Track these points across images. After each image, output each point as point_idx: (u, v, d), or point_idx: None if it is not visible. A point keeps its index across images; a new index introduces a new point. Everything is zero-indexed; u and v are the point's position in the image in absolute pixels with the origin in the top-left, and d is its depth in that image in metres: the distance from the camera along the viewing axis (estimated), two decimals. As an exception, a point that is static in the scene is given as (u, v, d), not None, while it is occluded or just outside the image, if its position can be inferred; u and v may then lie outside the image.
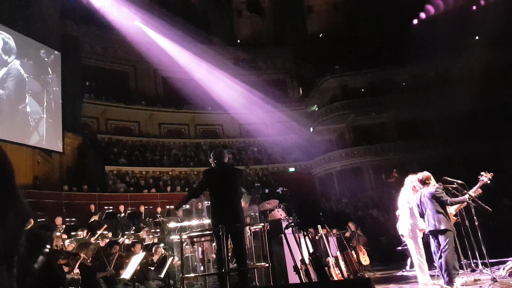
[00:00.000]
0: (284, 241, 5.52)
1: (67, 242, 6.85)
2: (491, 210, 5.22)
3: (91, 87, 20.74)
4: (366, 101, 21.86)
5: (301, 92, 26.25)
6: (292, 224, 5.75)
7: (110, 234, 8.97)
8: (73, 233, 8.43)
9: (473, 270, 5.68)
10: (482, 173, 5.19)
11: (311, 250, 5.69)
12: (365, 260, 9.55)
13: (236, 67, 23.68)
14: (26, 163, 14.35)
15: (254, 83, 22.93)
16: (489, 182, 5.18)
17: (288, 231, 5.75)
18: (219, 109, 22.51)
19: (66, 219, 10.28)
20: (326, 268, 6.22)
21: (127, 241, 7.66)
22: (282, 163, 22.06)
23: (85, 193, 14.77)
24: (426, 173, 5.27)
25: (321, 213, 10.72)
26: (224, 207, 4.14)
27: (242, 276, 4.12)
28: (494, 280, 4.57)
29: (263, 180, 19.61)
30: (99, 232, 8.77)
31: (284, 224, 6.05)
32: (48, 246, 1.65)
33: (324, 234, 7.81)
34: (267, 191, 9.29)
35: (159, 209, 12.39)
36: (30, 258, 1.37)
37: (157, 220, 9.81)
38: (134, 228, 9.63)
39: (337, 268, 7.20)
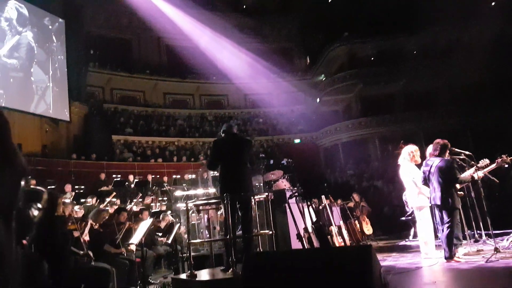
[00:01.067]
0: (288, 210, 5.59)
1: (76, 208, 7.03)
2: (497, 181, 5.19)
3: (95, 55, 20.54)
4: (375, 70, 21.35)
5: (308, 61, 25.69)
6: (296, 194, 5.80)
7: (118, 202, 9.17)
8: (82, 200, 8.63)
9: (476, 241, 5.74)
10: (503, 156, 5.05)
11: (314, 220, 5.77)
12: (368, 229, 9.71)
13: (241, 34, 23.06)
14: (34, 132, 14.53)
15: (260, 52, 22.42)
16: (506, 166, 5.06)
17: (292, 201, 5.81)
18: (224, 79, 22.22)
19: (75, 187, 10.49)
20: (329, 236, 6.33)
21: (135, 208, 7.83)
22: (288, 135, 22.00)
23: (93, 162, 15.00)
24: (442, 141, 5.06)
25: (325, 184, 10.80)
26: (233, 176, 4.20)
27: (247, 243, 4.23)
28: (496, 250, 4.60)
29: (268, 151, 19.66)
30: (108, 199, 8.97)
31: (288, 194, 6.10)
32: (45, 197, 1.67)
33: (328, 204, 7.90)
34: (271, 162, 9.32)
35: (165, 178, 12.58)
36: (28, 213, 1.39)
37: (164, 189, 9.98)
38: (141, 196, 9.83)
39: (340, 237, 7.33)
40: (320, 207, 8.06)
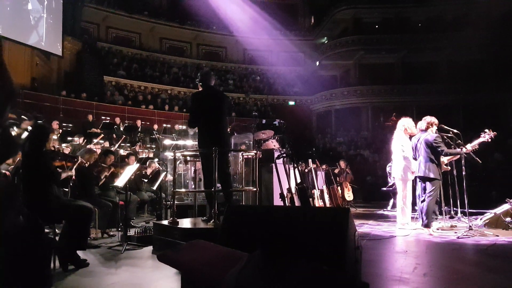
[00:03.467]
0: (274, 170, 5.66)
1: (63, 145, 6.98)
2: (481, 162, 5.31)
3: (93, -11, 19.47)
4: (378, 38, 20.85)
5: (312, 20, 24.82)
6: (284, 155, 5.84)
7: (107, 144, 9.13)
8: (69, 139, 8.56)
9: (451, 217, 5.97)
10: (486, 130, 5.18)
11: (298, 181, 5.88)
12: (349, 196, 9.98)
13: (247, -16, 21.94)
14: (24, 63, 14.03)
15: (264, 6, 21.50)
16: (489, 140, 5.19)
17: (279, 161, 5.87)
18: (224, 30, 21.45)
19: (63, 124, 10.36)
20: (311, 199, 6.48)
21: (122, 152, 7.82)
22: (283, 95, 21.80)
23: (83, 101, 14.74)
24: (431, 118, 5.26)
25: (313, 149, 10.89)
26: (210, 130, 4.16)
27: (227, 196, 4.30)
28: (470, 228, 4.81)
29: (261, 110, 19.55)
30: (95, 140, 8.92)
31: (276, 154, 6.15)
32: (27, 122, 1.63)
33: (314, 168, 8.01)
34: (264, 121, 9.27)
35: (155, 126, 12.50)
36: (10, 132, 1.35)
37: (153, 136, 9.94)
38: (129, 140, 9.79)
39: (321, 200, 7.52)
40: (306, 170, 8.18)
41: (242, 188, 4.95)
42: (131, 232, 4.63)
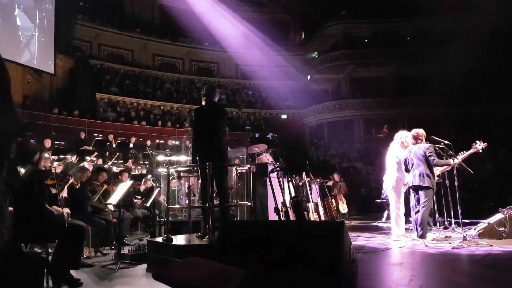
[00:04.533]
0: (268, 184, 5.66)
1: (55, 164, 6.92)
2: (472, 172, 5.39)
3: (85, 7, 19.65)
4: (368, 52, 21.27)
5: (303, 36, 25.28)
6: (278, 168, 5.86)
7: (100, 161, 9.07)
8: (61, 156, 8.48)
9: (445, 228, 5.99)
10: (477, 141, 5.30)
11: (293, 194, 5.88)
12: (343, 208, 9.98)
13: (238, 1, 22.35)
14: (16, 82, 13.98)
15: (256, 22, 21.85)
16: (481, 151, 5.30)
17: (273, 175, 5.88)
18: (216, 46, 21.70)
19: (55, 142, 10.28)
20: (305, 212, 6.47)
21: (115, 169, 7.77)
22: (275, 109, 21.97)
23: (75, 118, 14.67)
24: (420, 130, 5.38)
25: (307, 162, 10.95)
26: (209, 144, 4.19)
27: (223, 211, 4.30)
28: (464, 238, 4.84)
29: (254, 124, 19.64)
30: (88, 158, 8.85)
31: (270, 168, 6.16)
32: (37, 157, 1.65)
33: (308, 181, 8.03)
34: (257, 135, 9.31)
35: (148, 142, 12.47)
36: (18, 165, 1.38)
37: (146, 152, 9.90)
38: (121, 157, 9.72)
39: (316, 213, 7.52)
40: (300, 183, 8.19)
41: (236, 202, 4.94)
42: (125, 250, 4.56)
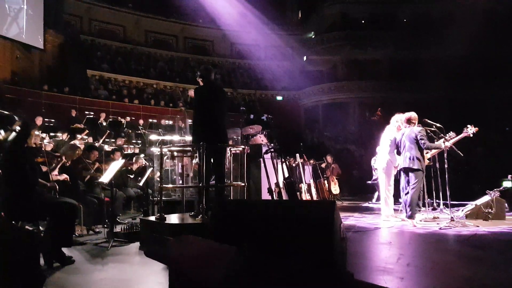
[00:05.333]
0: (262, 165, 5.68)
1: (45, 142, 6.84)
2: (463, 155, 5.47)
3: (75, -20, 18.97)
4: (365, 34, 21.00)
5: (300, 15, 24.83)
6: (272, 150, 5.87)
7: (90, 139, 8.98)
8: (52, 134, 8.38)
9: (434, 209, 6.12)
10: (468, 126, 5.38)
11: (286, 175, 5.92)
12: (335, 189, 10.11)
13: (234, -24, 21.73)
14: (4, 57, 13.65)
15: (252, -1, 21.37)
16: (471, 135, 5.39)
17: (267, 156, 5.90)
18: (211, 23, 21.24)
19: (45, 120, 10.13)
20: (298, 193, 6.54)
21: (106, 148, 7.71)
22: (271, 91, 21.80)
23: (66, 96, 14.41)
24: (413, 114, 5.46)
25: (301, 143, 10.96)
26: (210, 125, 4.16)
27: (219, 191, 4.31)
28: (451, 219, 4.96)
29: (249, 105, 19.51)
30: (79, 136, 8.76)
31: (264, 149, 6.17)
32: (18, 123, 1.62)
33: (301, 163, 8.08)
34: (252, 116, 9.27)
35: (141, 121, 12.35)
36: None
37: (139, 131, 9.81)
38: (113, 135, 9.64)
39: (308, 194, 7.61)
40: (294, 165, 8.24)
41: (230, 183, 4.96)
42: (118, 228, 4.58)
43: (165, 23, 21.49)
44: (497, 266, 3.03)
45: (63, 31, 17.45)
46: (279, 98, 21.97)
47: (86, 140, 8.66)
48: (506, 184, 7.04)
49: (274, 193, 5.39)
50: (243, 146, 4.91)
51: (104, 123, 10.83)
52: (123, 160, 5.12)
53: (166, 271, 2.56)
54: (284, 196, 5.63)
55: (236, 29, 20.79)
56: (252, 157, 6.02)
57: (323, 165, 10.46)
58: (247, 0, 20.68)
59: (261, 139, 6.77)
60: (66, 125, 9.94)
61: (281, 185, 5.76)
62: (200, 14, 20.87)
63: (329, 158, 10.73)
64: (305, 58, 23.22)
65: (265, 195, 5.66)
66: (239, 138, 6.94)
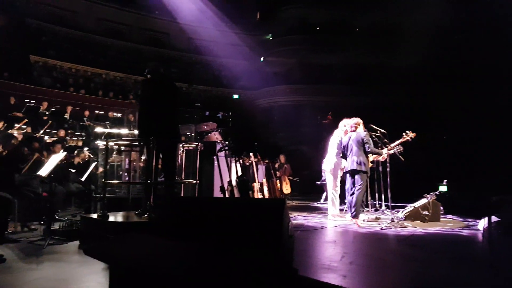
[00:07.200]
0: (216, 162, 5.63)
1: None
2: (403, 160, 5.86)
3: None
4: (322, 38, 21.68)
5: (258, 16, 25.01)
6: (226, 148, 5.83)
7: (29, 130, 8.31)
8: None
9: (376, 210, 6.46)
10: (407, 131, 5.82)
11: (240, 174, 5.92)
12: (287, 189, 10.31)
13: (194, -29, 21.32)
14: None
15: (211, -5, 21.12)
16: (410, 140, 5.84)
17: (221, 154, 5.86)
18: (168, 15, 20.65)
19: (-21, 106, 9.21)
20: (250, 192, 6.57)
21: (47, 139, 7.18)
22: (227, 88, 21.73)
23: (5, 81, 13.26)
24: (358, 119, 5.75)
25: (255, 143, 11.06)
26: (155, 119, 3.98)
27: (169, 189, 4.18)
28: (392, 220, 5.27)
29: (205, 101, 19.26)
30: (17, 125, 8.08)
31: (218, 147, 6.12)
32: None
33: (255, 162, 8.12)
34: (207, 113, 9.16)
35: (87, 112, 11.63)
36: None
37: (84, 123, 9.25)
38: (54, 126, 8.99)
39: (260, 193, 7.67)
40: (247, 164, 8.26)
41: (181, 180, 4.83)
42: (56, 226, 4.27)
43: (119, 12, 20.51)
44: (432, 264, 3.26)
45: (6, 12, 15.97)
46: (236, 96, 21.97)
47: (25, 130, 8.01)
48: (442, 188, 7.61)
49: (226, 191, 5.36)
50: (196, 143, 4.82)
51: (46, 113, 10.06)
52: (65, 153, 4.79)
53: (107, 271, 2.43)
54: (236, 195, 5.62)
55: (195, 24, 20.43)
56: (206, 154, 5.95)
57: (276, 165, 10.62)
58: (205, -4, 20.43)
59: (215, 136, 6.70)
60: (3, 113, 9.09)
61: (234, 183, 5.75)
62: (157, 5, 20.20)
63: (282, 158, 10.92)
64: (262, 59, 23.44)
65: (217, 193, 5.60)
66: (193, 134, 6.81)
